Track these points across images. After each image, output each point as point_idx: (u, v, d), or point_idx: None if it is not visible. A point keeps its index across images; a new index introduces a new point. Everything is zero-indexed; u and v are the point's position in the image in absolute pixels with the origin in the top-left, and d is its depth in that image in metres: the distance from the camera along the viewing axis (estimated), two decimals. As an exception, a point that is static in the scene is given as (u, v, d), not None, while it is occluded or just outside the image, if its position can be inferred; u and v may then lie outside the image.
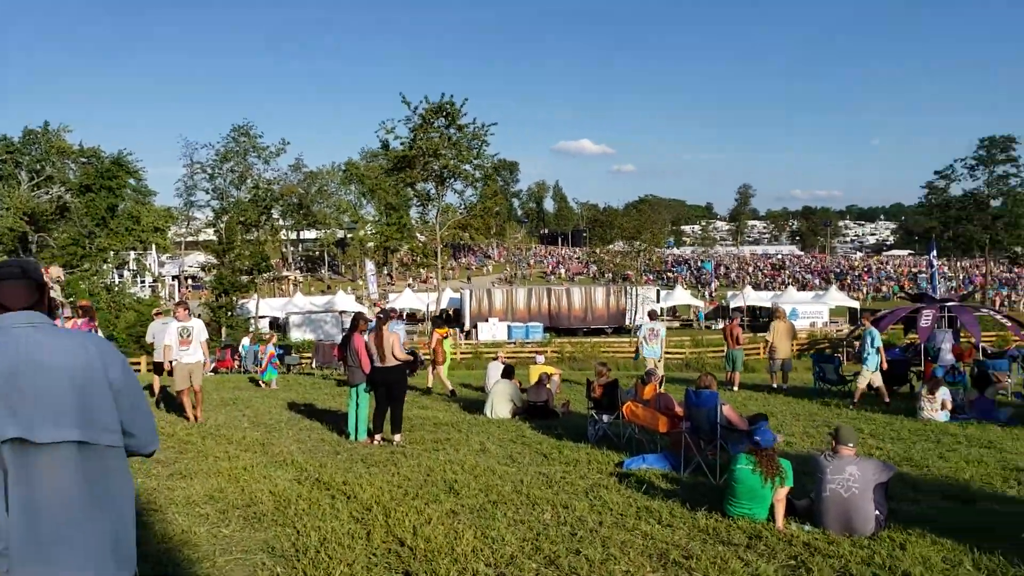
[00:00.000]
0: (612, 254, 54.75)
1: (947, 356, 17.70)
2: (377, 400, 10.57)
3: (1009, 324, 20.59)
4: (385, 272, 71.41)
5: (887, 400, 14.51)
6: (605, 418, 10.59)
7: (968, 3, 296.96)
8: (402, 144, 30.57)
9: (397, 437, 10.33)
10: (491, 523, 6.18)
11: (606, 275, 60.26)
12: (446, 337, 17.42)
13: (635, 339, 22.67)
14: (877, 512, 6.08)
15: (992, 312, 23.69)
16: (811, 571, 5.16)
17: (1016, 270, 71.91)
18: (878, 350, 14.78)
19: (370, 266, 63.45)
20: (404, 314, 40.29)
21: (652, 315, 18.98)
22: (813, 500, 6.44)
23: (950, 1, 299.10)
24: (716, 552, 5.54)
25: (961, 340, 19.36)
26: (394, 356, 10.33)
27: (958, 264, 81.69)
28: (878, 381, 14.69)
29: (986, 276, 63.87)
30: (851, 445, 6.38)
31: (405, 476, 8.01)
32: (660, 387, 10.80)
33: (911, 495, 7.35)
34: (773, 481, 6.36)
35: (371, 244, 61.90)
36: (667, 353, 19.03)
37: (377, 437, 10.35)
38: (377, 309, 19.29)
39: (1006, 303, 58.39)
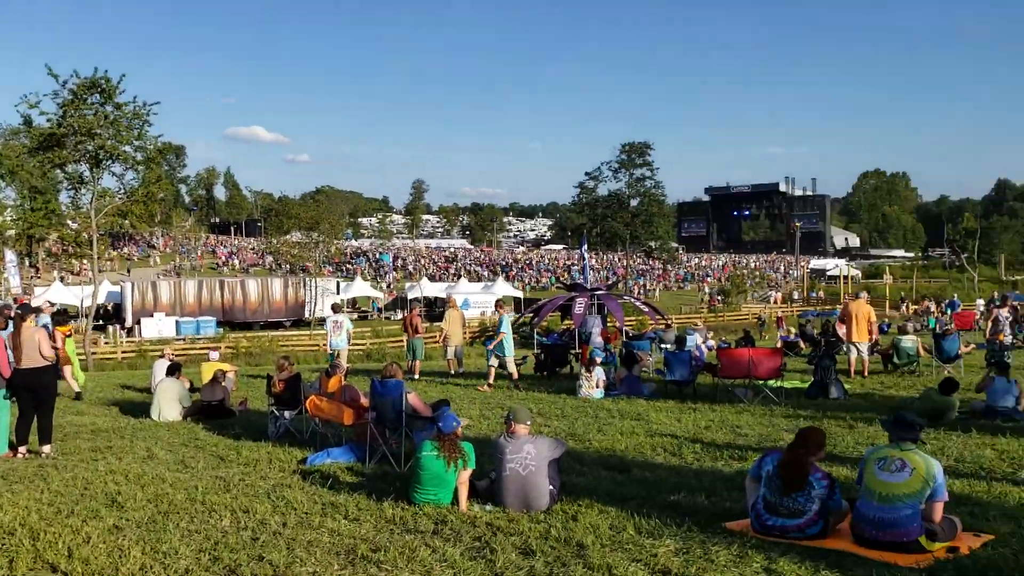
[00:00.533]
0: (289, 245, 53.16)
1: (597, 339, 19.53)
2: (20, 407, 9.22)
3: (647, 310, 23.30)
4: (28, 264, 63.00)
5: (491, 384, 15.40)
6: (287, 414, 10.21)
7: (597, 21, 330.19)
8: (49, 121, 27.00)
9: (46, 448, 9.10)
10: (162, 536, 5.64)
11: (283, 266, 58.44)
12: (69, 335, 15.40)
13: (314, 332, 22.24)
14: (551, 487, 6.48)
15: (633, 299, 26.65)
16: (495, 550, 5.34)
17: (651, 262, 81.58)
18: (501, 335, 15.85)
19: (10, 256, 55.46)
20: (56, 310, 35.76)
21: (335, 308, 19.01)
22: (493, 480, 6.70)
23: (585, 17, 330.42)
24: (404, 542, 5.54)
25: (608, 325, 21.47)
26: (41, 356, 9.05)
27: (605, 257, 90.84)
28: (512, 366, 15.72)
29: (627, 267, 71.69)
30: (526, 424, 6.73)
31: (57, 491, 7.06)
32: (344, 379, 10.66)
33: (577, 467, 7.95)
34: (456, 465, 6.52)
35: (11, 232, 54.28)
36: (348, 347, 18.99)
37: (22, 450, 9.04)
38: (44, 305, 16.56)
39: (643, 291, 66.07)
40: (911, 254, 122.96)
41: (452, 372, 18.17)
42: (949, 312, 34.04)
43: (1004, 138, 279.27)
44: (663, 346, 19.91)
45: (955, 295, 42.68)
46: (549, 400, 13.54)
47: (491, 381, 15.45)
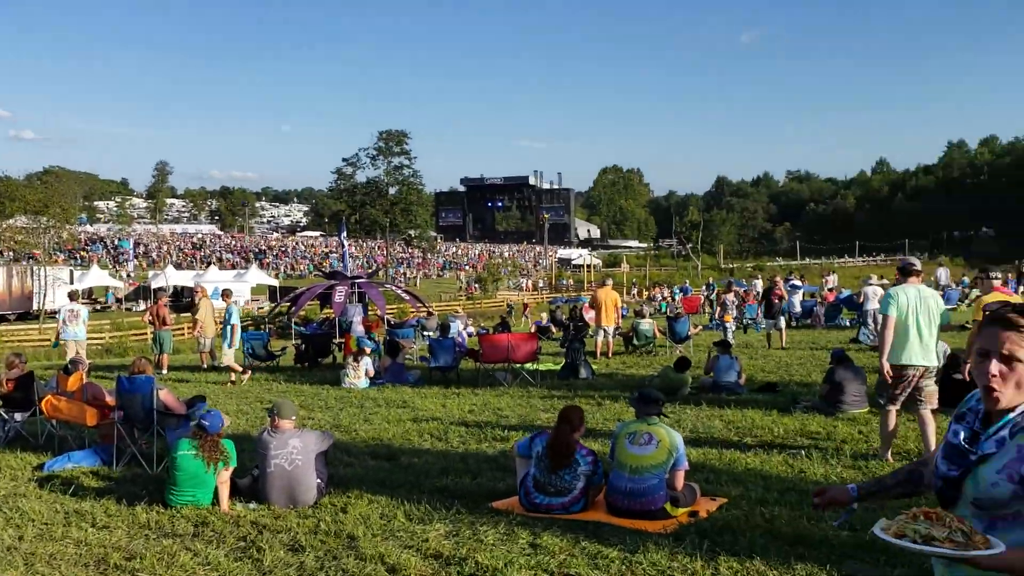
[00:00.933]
0: (13, 230, 47.42)
1: (358, 328, 19.39)
2: None
3: (408, 298, 23.43)
4: None
5: (242, 374, 14.97)
6: (18, 416, 9.20)
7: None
8: None
9: None
10: None
11: (6, 254, 52.10)
12: None
13: (44, 326, 20.16)
14: (319, 480, 6.38)
15: (394, 287, 26.66)
16: (262, 549, 5.18)
17: (410, 250, 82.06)
18: (233, 328, 15.46)
19: None
20: None
21: (72, 296, 17.48)
22: (256, 477, 6.48)
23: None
24: (162, 547, 5.22)
25: (369, 313, 21.40)
26: None
27: (364, 244, 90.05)
28: (229, 360, 15.34)
29: (387, 255, 71.58)
30: (292, 418, 6.57)
31: None
32: (87, 376, 9.76)
33: (345, 459, 7.88)
34: (216, 465, 6.23)
35: None
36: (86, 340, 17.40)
37: None
38: None
39: (403, 279, 66.36)
40: (644, 244, 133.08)
41: (205, 366, 17.23)
42: (678, 297, 37.27)
43: (722, 139, 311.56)
44: (426, 333, 20.16)
45: (687, 281, 46.75)
46: (312, 392, 13.27)
47: (241, 372, 14.87)
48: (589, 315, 17.86)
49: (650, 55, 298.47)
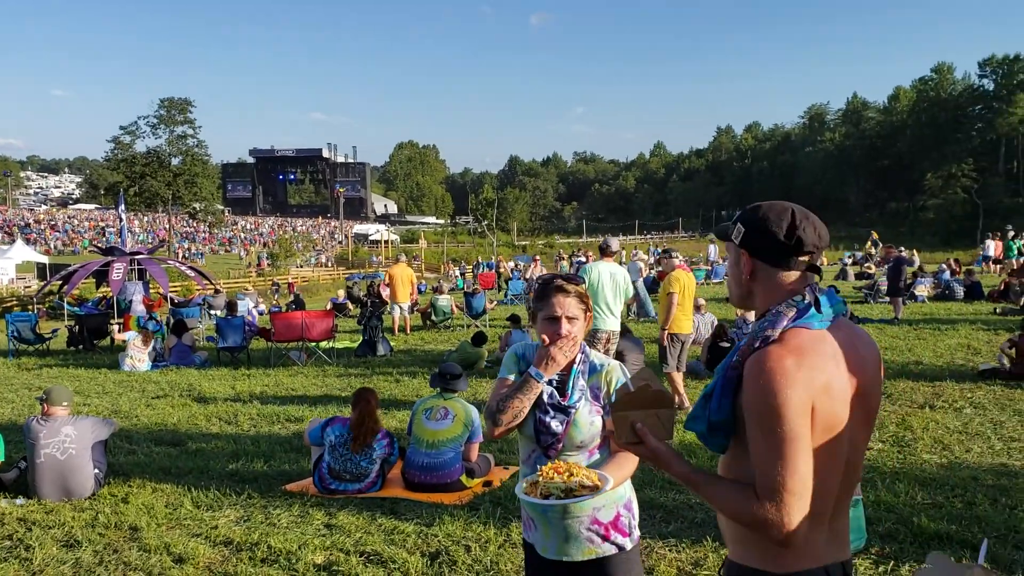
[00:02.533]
0: None
1: (138, 307, 18.22)
2: None
3: (193, 275, 22.31)
4: None
5: None
6: None
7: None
8: None
9: None
10: None
11: None
12: None
13: None
14: (96, 471, 5.97)
15: (178, 264, 25.19)
16: (31, 547, 4.80)
17: (196, 224, 77.63)
18: None
19: None
20: None
21: None
22: (24, 470, 5.98)
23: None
24: (-91, 554, 4.70)
25: (151, 291, 20.17)
26: None
27: (145, 219, 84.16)
28: None
29: (170, 230, 67.39)
30: (64, 405, 6.10)
31: None
32: None
33: (126, 446, 7.42)
34: (-25, 460, 5.69)
35: None
36: None
37: None
38: None
39: (188, 255, 62.75)
40: (441, 221, 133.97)
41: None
42: (476, 272, 37.91)
43: (515, 121, 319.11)
44: (213, 312, 19.22)
45: (492, 257, 47.49)
46: (88, 376, 12.32)
47: None
48: (385, 292, 17.79)
49: (445, 33, 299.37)
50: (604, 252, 8.41)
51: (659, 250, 35.33)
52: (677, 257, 9.60)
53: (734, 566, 1.79)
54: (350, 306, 25.02)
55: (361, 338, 14.33)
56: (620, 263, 8.47)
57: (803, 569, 1.68)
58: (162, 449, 7.39)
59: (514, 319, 12.97)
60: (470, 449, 5.97)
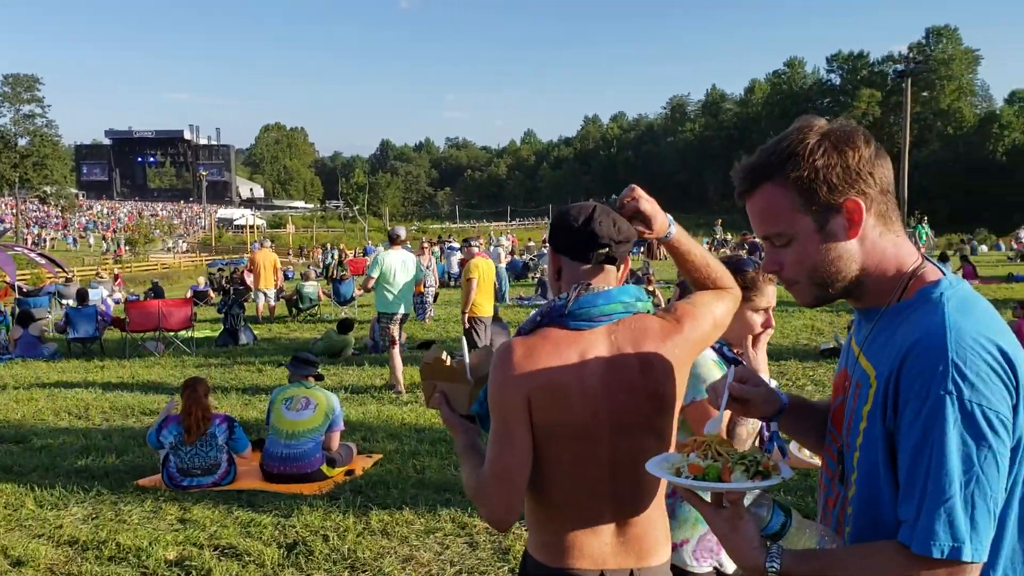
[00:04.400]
0: None
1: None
2: None
3: (43, 262, 21.03)
4: None
5: None
6: None
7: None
8: None
9: None
10: None
11: None
12: None
13: None
14: (-74, 473, 5.63)
15: (26, 251, 23.68)
16: None
17: (46, 208, 73.04)
18: None
19: None
20: None
21: None
22: None
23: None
24: None
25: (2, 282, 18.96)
26: None
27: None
28: None
29: (18, 214, 63.13)
30: None
31: None
32: None
33: (-39, 447, 7.00)
34: None
35: None
36: None
37: None
38: None
39: (37, 241, 58.90)
40: (311, 205, 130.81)
41: None
42: (343, 258, 37.25)
43: (386, 105, 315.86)
44: (64, 302, 18.19)
45: (369, 243, 46.67)
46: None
47: None
48: (249, 278, 17.32)
49: (313, 13, 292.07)
50: (393, 240, 9.38)
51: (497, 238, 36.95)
52: (478, 246, 10.72)
53: (525, 551, 1.84)
54: (211, 294, 24.24)
55: (223, 327, 13.94)
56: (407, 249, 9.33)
57: (579, 568, 1.71)
58: (3, 447, 7.01)
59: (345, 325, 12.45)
60: (331, 438, 5.96)
